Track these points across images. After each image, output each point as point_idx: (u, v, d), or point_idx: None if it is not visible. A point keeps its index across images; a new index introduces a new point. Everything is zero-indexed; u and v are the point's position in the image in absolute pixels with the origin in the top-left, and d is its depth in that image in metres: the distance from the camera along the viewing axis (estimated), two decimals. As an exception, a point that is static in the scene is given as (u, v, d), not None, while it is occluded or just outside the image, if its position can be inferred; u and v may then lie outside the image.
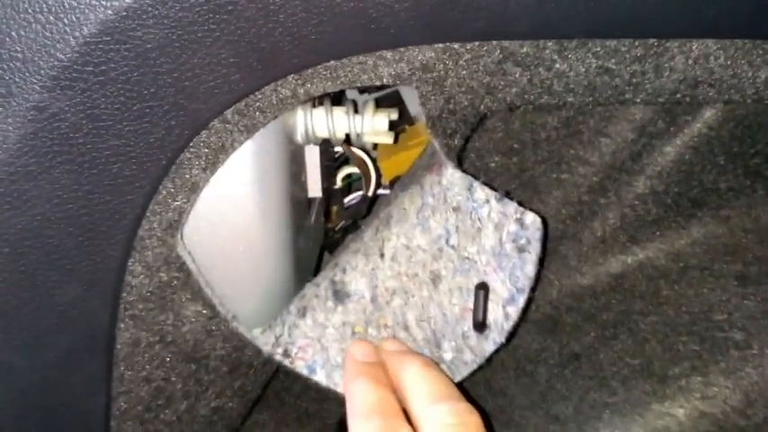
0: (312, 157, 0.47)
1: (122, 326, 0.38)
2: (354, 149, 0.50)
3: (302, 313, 0.42)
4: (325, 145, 0.47)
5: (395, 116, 0.46)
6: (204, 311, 0.40)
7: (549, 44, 0.35)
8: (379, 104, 0.48)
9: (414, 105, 0.54)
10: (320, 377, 0.41)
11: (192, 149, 0.34)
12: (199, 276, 0.39)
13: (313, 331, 0.42)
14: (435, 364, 0.39)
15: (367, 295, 0.41)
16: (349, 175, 0.56)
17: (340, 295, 0.42)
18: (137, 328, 0.39)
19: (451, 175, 0.40)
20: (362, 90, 0.55)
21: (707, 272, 0.50)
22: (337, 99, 0.46)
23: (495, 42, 0.34)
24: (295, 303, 0.43)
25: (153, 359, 0.40)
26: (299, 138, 0.44)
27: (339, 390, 0.41)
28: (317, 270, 0.55)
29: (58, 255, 0.34)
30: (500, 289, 0.38)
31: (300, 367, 0.41)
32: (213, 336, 0.41)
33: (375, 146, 0.58)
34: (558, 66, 0.36)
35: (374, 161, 0.54)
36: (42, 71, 0.29)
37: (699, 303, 0.49)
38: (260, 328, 0.44)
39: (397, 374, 0.38)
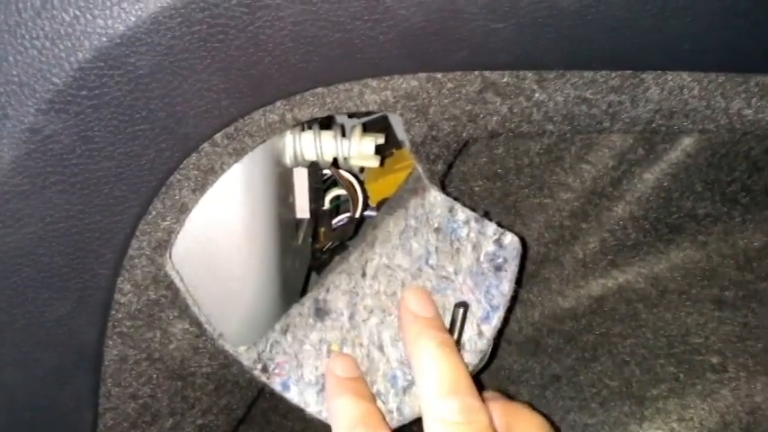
0: (300, 179, 0.48)
1: (110, 343, 0.39)
2: (342, 172, 0.51)
3: (284, 330, 0.43)
4: (314, 167, 0.48)
5: (381, 141, 0.47)
6: (191, 329, 0.41)
7: (529, 75, 0.36)
8: (367, 129, 0.49)
9: (401, 130, 0.55)
10: (293, 394, 0.41)
11: (181, 171, 0.35)
12: (186, 295, 0.40)
13: (291, 347, 0.42)
14: (454, 344, 0.38)
15: (345, 313, 0.42)
16: (337, 197, 0.57)
17: (320, 313, 0.43)
18: (124, 345, 0.39)
19: (434, 198, 0.42)
20: (351, 115, 0.57)
21: (684, 296, 0.51)
22: (326, 123, 0.47)
23: (476, 72, 0.35)
24: (280, 322, 0.44)
25: (140, 376, 0.41)
26: (288, 160, 0.45)
27: (308, 410, 0.41)
28: (304, 290, 0.56)
29: (48, 273, 0.35)
30: (475, 307, 0.39)
31: (275, 384, 0.42)
32: (200, 353, 0.42)
33: (362, 169, 0.59)
34: (537, 95, 0.37)
35: (362, 184, 0.55)
36: (38, 95, 0.30)
37: (677, 327, 0.50)
38: (245, 346, 0.44)
39: (410, 350, 0.37)
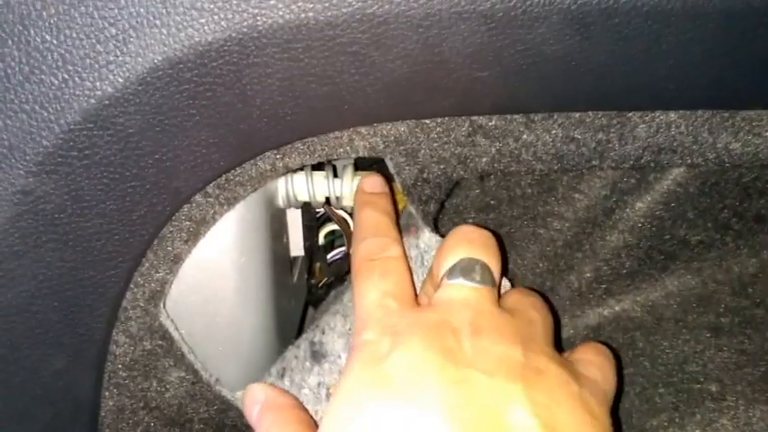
0: (294, 219, 0.48)
1: (107, 394, 0.39)
2: (335, 210, 0.51)
3: (281, 374, 0.43)
4: (307, 206, 0.49)
5: (373, 179, 0.47)
6: (187, 377, 0.41)
7: (517, 117, 0.36)
8: (360, 164, 0.50)
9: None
10: None
11: (173, 223, 0.35)
12: (182, 343, 0.40)
13: (290, 392, 0.42)
14: (391, 211, 0.41)
15: (343, 356, 0.42)
16: (332, 232, 0.57)
17: (317, 356, 0.43)
18: (121, 395, 0.39)
19: (428, 239, 0.42)
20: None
21: (681, 323, 0.51)
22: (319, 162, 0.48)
23: (464, 117, 0.36)
24: (276, 365, 0.44)
25: (137, 425, 0.41)
26: (281, 202, 0.45)
27: None
28: (301, 326, 0.56)
29: (43, 329, 0.35)
30: None
31: None
32: (197, 400, 0.42)
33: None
34: (525, 136, 0.37)
35: (355, 219, 0.55)
36: (28, 157, 0.30)
37: (674, 355, 0.50)
38: (243, 390, 0.44)
39: (354, 221, 0.41)
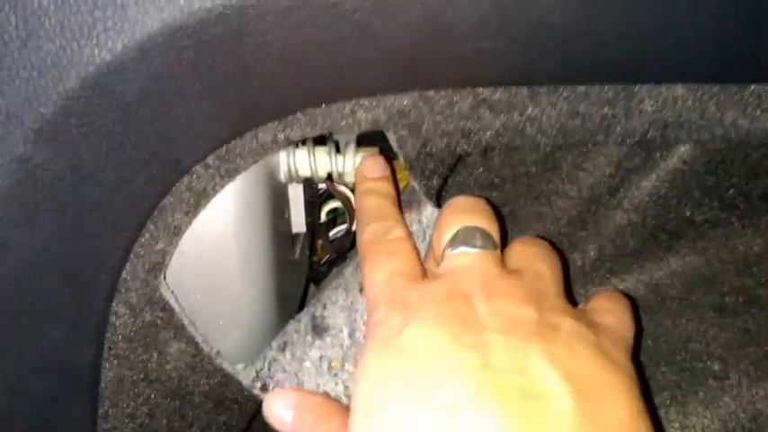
0: (296, 194, 0.48)
1: (106, 365, 0.39)
2: (338, 186, 0.51)
3: (282, 348, 0.43)
4: (309, 182, 0.48)
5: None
6: (188, 349, 0.41)
7: (521, 90, 0.36)
8: (363, 140, 0.49)
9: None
10: None
11: (174, 194, 0.35)
12: (182, 315, 0.39)
13: (291, 365, 0.42)
14: (393, 193, 0.41)
15: (345, 330, 0.42)
16: (334, 209, 0.57)
17: (319, 330, 0.43)
18: (121, 366, 0.39)
19: (431, 215, 0.41)
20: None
21: (685, 302, 0.51)
22: (320, 138, 0.47)
23: (468, 89, 0.35)
24: (277, 339, 0.44)
25: (137, 396, 0.41)
26: (283, 177, 0.45)
27: None
28: (302, 302, 0.56)
29: (41, 298, 0.35)
30: None
31: None
32: (197, 372, 0.42)
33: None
34: (529, 110, 0.37)
35: (358, 195, 0.54)
36: (26, 124, 0.30)
37: (677, 334, 0.50)
38: (244, 363, 0.44)
39: (355, 206, 0.41)
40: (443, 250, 0.35)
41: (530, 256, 0.36)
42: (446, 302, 0.32)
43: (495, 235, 0.35)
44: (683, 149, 0.47)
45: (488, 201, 0.37)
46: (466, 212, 0.36)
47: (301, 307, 0.55)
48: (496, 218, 0.36)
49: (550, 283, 0.34)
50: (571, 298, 0.34)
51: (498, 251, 0.35)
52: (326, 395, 0.39)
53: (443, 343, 0.30)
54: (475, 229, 0.35)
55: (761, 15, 0.32)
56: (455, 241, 0.34)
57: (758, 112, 0.38)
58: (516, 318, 0.31)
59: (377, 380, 0.30)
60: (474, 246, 0.34)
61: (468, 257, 0.34)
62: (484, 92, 0.36)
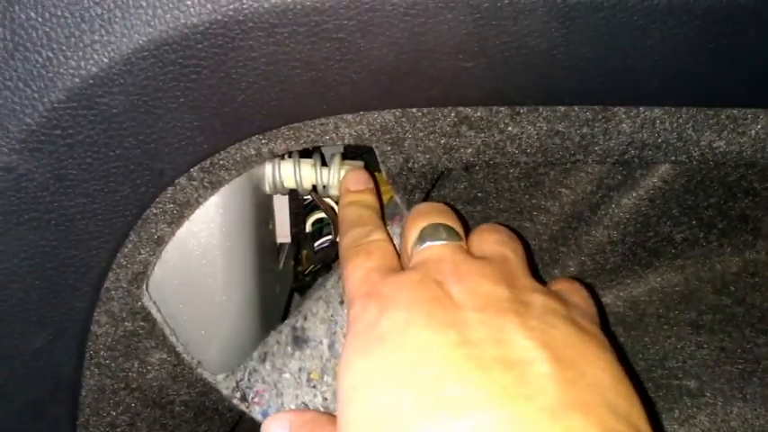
0: (280, 205, 0.48)
1: (88, 373, 0.39)
2: (323, 198, 0.51)
3: (263, 359, 0.43)
4: (294, 193, 0.49)
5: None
6: (169, 359, 0.41)
7: (502, 109, 0.36)
8: (348, 152, 0.50)
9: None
10: None
11: (157, 205, 0.35)
12: (164, 325, 0.40)
13: (270, 376, 0.42)
14: (376, 202, 0.42)
15: (325, 342, 0.42)
16: (319, 220, 0.57)
17: (299, 341, 0.43)
18: (102, 375, 0.39)
19: (412, 228, 0.42)
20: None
21: (663, 319, 0.52)
22: (306, 149, 0.48)
23: (450, 107, 0.36)
24: (258, 350, 0.44)
25: (118, 405, 0.41)
26: (268, 188, 0.45)
27: None
28: (285, 313, 0.56)
29: (24, 307, 0.35)
30: None
31: (255, 413, 0.42)
32: (178, 382, 0.42)
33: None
34: (510, 129, 0.37)
35: (342, 208, 0.55)
36: (11, 134, 0.30)
37: (655, 351, 0.51)
38: (225, 373, 0.45)
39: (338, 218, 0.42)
40: (411, 249, 0.36)
41: (492, 242, 0.37)
42: (420, 287, 0.32)
43: (459, 230, 0.36)
44: (663, 169, 0.48)
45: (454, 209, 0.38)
46: (429, 214, 0.37)
47: (285, 317, 0.55)
48: (460, 218, 0.38)
49: (517, 265, 0.35)
50: (538, 278, 0.35)
51: (464, 242, 0.36)
52: (319, 412, 0.39)
53: (421, 325, 0.30)
54: (439, 225, 0.36)
55: (733, 42, 0.33)
56: (422, 238, 0.36)
57: (734, 135, 0.39)
58: (489, 296, 0.32)
59: (360, 371, 0.31)
60: (440, 239, 0.35)
61: (435, 249, 0.35)
62: (465, 110, 0.36)
